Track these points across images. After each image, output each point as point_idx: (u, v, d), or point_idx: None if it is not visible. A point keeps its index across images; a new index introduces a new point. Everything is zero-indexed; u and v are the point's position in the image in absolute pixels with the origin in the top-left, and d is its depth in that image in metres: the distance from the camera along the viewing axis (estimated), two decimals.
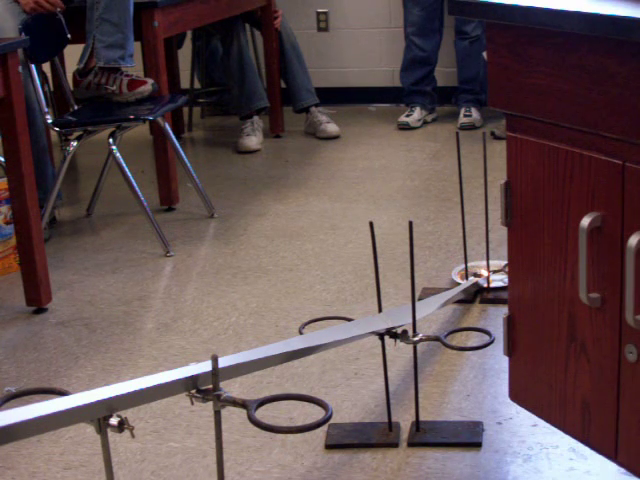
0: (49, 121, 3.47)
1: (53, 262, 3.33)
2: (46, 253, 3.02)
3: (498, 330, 1.99)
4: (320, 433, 2.17)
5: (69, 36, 3.59)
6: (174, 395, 1.76)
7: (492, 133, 4.62)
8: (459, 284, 2.88)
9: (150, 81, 3.71)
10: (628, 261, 1.49)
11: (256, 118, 4.89)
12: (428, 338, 2.16)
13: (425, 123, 5.12)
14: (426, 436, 2.15)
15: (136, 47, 3.75)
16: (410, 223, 2.02)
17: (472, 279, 2.90)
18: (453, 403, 2.30)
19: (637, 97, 1.45)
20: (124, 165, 3.48)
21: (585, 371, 1.66)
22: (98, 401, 1.61)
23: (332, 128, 4.96)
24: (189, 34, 5.38)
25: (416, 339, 2.11)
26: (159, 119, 3.67)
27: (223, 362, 1.74)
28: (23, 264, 2.97)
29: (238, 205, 3.95)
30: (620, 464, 1.66)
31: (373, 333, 2.13)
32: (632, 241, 1.48)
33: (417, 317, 2.12)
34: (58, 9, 3.54)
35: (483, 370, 2.44)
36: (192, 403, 1.72)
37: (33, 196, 2.94)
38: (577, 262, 1.60)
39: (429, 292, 2.86)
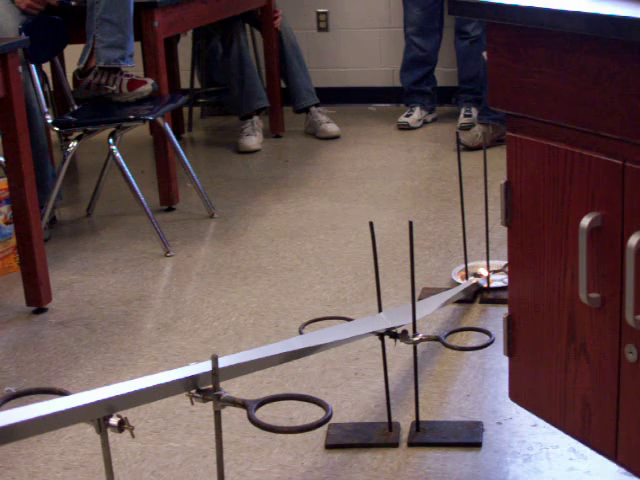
0: (49, 121, 3.47)
1: (53, 262, 3.33)
2: (46, 253, 3.02)
3: (498, 330, 1.99)
4: (320, 433, 2.17)
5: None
6: (174, 395, 1.76)
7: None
8: (459, 284, 2.88)
9: (150, 81, 3.70)
10: (628, 261, 1.49)
11: (256, 118, 4.89)
12: (428, 338, 2.16)
13: (425, 123, 5.12)
14: (426, 436, 2.15)
15: (136, 47, 3.74)
16: (410, 223, 2.02)
17: (472, 279, 2.90)
18: (453, 403, 2.30)
19: (637, 97, 1.45)
20: (124, 165, 3.48)
21: (585, 371, 1.66)
22: (98, 401, 1.61)
23: (332, 128, 4.96)
24: (189, 32, 5.37)
25: (416, 339, 2.11)
26: (159, 119, 3.67)
27: (223, 362, 1.74)
28: (23, 264, 2.97)
29: (238, 205, 3.95)
30: (620, 464, 1.66)
31: (373, 333, 2.13)
32: (632, 241, 1.48)
33: (417, 317, 2.12)
34: (54, 2, 3.55)
35: (483, 370, 2.44)
36: (192, 403, 1.72)
37: (33, 196, 2.93)
38: (577, 262, 1.60)
39: (429, 292, 2.86)
